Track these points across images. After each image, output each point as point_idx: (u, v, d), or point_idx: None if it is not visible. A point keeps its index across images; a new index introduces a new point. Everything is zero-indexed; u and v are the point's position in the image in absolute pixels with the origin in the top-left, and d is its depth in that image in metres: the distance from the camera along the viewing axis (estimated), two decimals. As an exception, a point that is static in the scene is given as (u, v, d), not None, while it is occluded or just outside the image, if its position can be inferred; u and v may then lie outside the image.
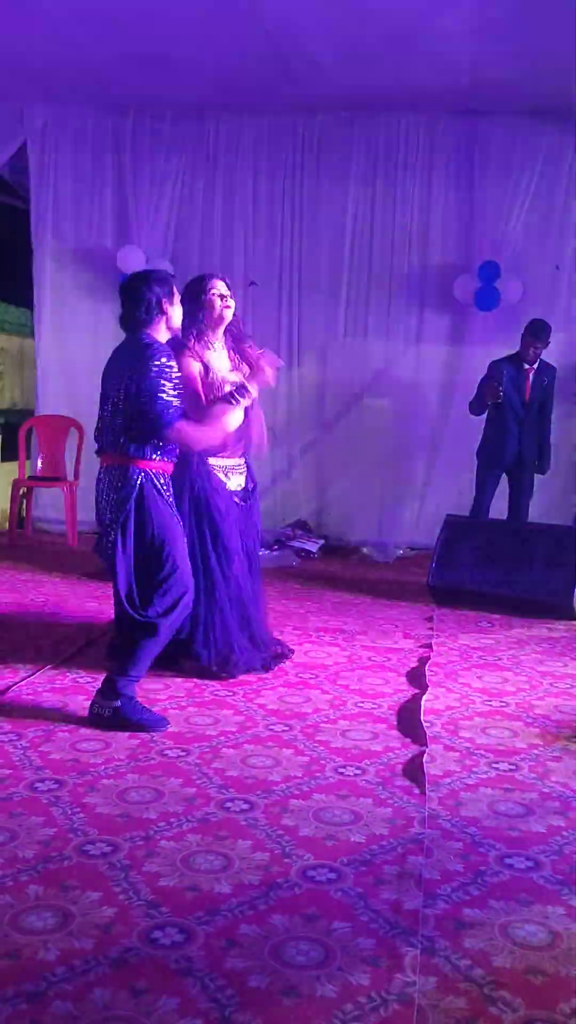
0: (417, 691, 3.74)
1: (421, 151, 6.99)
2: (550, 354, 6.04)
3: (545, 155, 6.79)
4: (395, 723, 3.37)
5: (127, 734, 3.11)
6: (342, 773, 2.88)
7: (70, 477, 6.99)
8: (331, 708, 3.51)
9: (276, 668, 3.95)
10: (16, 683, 3.62)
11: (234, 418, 3.68)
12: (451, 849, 2.40)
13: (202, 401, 3.64)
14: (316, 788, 2.75)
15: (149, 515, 3.19)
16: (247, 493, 3.98)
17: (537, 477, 6.13)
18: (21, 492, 6.99)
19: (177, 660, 3.76)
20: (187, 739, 3.11)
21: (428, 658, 4.22)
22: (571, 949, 1.97)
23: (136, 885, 2.16)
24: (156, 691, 3.56)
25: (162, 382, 3.14)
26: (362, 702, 3.59)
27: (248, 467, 4.01)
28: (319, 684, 3.81)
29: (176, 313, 3.33)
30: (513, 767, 2.98)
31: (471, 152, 6.91)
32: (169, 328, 3.32)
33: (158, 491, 3.23)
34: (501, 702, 3.66)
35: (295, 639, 4.46)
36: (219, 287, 3.77)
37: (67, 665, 3.91)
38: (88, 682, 3.65)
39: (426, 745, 3.12)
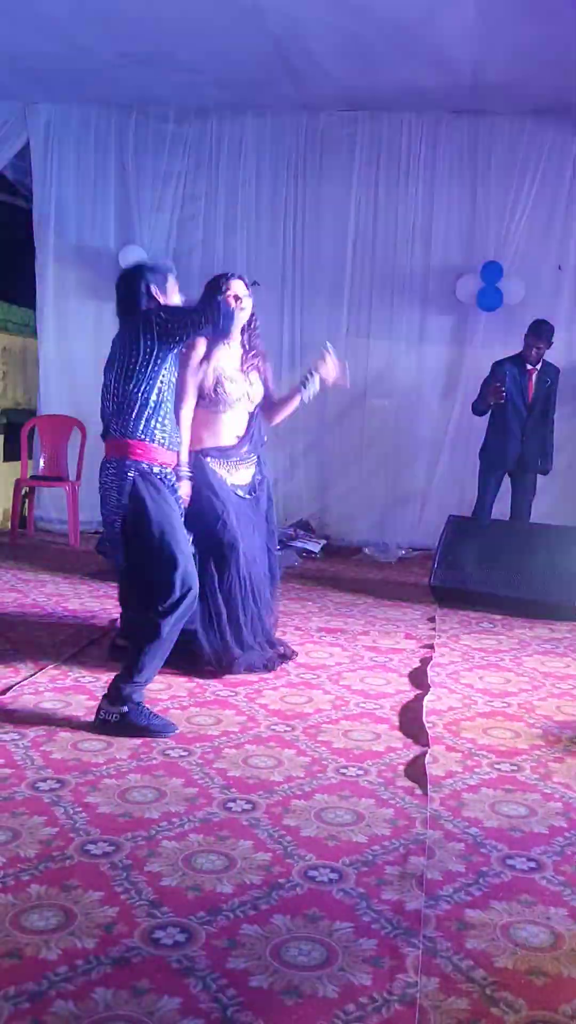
0: (419, 692, 3.73)
1: (424, 151, 7.00)
2: (553, 354, 6.03)
3: (548, 155, 6.80)
4: (397, 724, 3.37)
5: (129, 734, 3.11)
6: (344, 773, 2.87)
7: (72, 477, 6.99)
8: (333, 708, 3.51)
9: (278, 668, 3.94)
10: (18, 682, 3.62)
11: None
12: (453, 850, 2.40)
13: (186, 381, 3.63)
14: (318, 788, 2.75)
15: (146, 512, 3.10)
16: (254, 486, 3.95)
17: (540, 478, 6.13)
18: (23, 492, 7.00)
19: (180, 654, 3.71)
20: (189, 739, 3.10)
21: (430, 659, 4.22)
22: (573, 950, 1.97)
23: (138, 885, 2.16)
24: (158, 691, 3.55)
25: (168, 311, 3.14)
26: (364, 702, 3.59)
27: (259, 460, 3.98)
28: (321, 684, 3.80)
29: (173, 302, 3.27)
30: (515, 768, 2.98)
31: (473, 152, 6.92)
32: None
33: (154, 486, 3.15)
34: (503, 703, 3.65)
35: (297, 639, 4.45)
36: (235, 287, 3.75)
37: (69, 665, 3.90)
38: (90, 681, 3.65)
39: (428, 746, 3.11)
